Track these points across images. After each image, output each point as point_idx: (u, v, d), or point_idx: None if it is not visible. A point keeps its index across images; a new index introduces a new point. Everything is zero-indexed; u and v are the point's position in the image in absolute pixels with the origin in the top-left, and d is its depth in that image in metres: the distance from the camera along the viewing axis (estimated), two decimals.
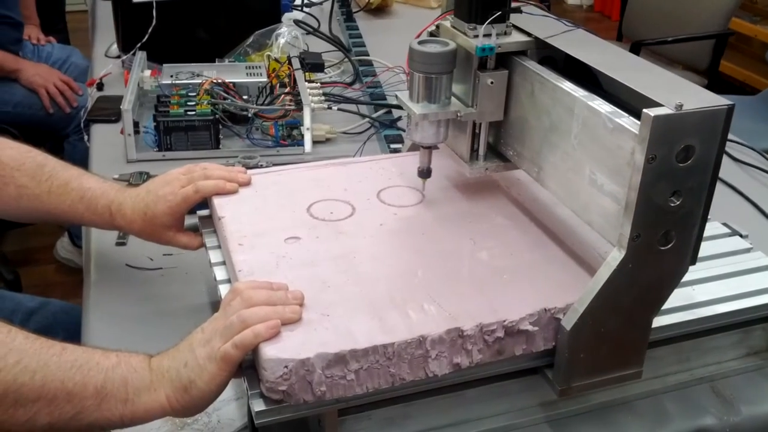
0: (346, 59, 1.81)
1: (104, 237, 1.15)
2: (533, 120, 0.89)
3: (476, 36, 0.87)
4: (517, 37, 0.90)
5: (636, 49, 2.79)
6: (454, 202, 0.99)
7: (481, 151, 0.97)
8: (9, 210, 1.01)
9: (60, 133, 2.25)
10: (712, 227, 1.04)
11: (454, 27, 0.92)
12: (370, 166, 1.07)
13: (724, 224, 1.04)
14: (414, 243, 0.90)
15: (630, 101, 0.77)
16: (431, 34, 0.96)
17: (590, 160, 0.80)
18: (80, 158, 1.47)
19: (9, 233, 2.64)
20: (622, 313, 0.77)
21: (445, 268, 0.85)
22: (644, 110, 0.69)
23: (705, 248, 0.98)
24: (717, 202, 1.25)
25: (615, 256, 0.74)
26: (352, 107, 1.57)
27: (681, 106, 0.68)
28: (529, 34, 0.90)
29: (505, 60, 0.91)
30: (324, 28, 2.00)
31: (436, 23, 0.96)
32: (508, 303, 0.79)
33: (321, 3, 2.20)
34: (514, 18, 0.91)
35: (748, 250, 0.99)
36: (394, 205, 0.98)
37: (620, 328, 0.78)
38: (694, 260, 0.78)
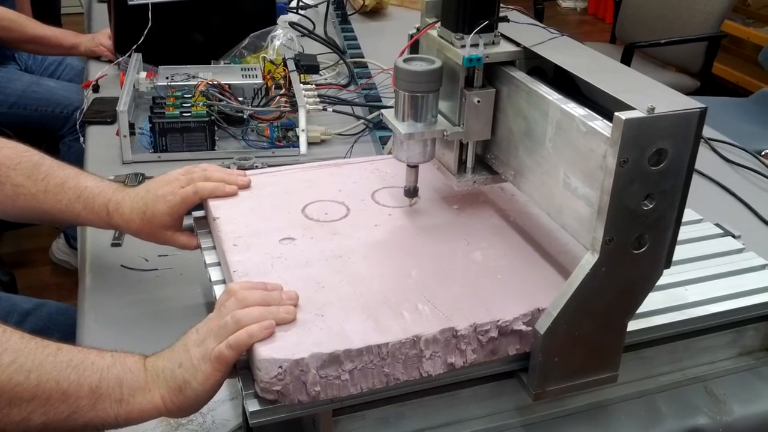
0: (341, 61, 1.82)
1: (99, 238, 1.16)
2: (514, 126, 0.89)
3: (463, 46, 0.86)
4: (505, 47, 0.89)
5: (629, 51, 2.80)
6: (449, 202, 0.99)
7: (469, 164, 0.95)
8: (5, 210, 1.01)
9: (55, 134, 2.24)
10: (704, 228, 1.04)
11: (441, 37, 0.90)
12: (364, 167, 1.07)
13: (717, 225, 1.05)
14: (408, 243, 0.91)
15: (609, 106, 0.76)
16: (413, 47, 0.95)
17: (564, 163, 0.80)
18: (75, 159, 1.47)
19: (4, 235, 2.64)
20: (597, 316, 0.77)
21: (439, 269, 0.86)
22: (616, 113, 0.68)
23: (698, 248, 0.99)
24: (709, 203, 1.27)
25: (588, 260, 0.74)
26: (347, 109, 1.58)
27: (653, 109, 0.68)
28: (517, 44, 0.89)
29: (493, 71, 0.90)
30: (319, 30, 2.00)
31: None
32: (501, 303, 0.80)
33: (316, 5, 2.21)
34: (513, 31, 0.89)
35: (740, 251, 1.00)
36: (388, 206, 0.98)
37: (595, 331, 0.78)
38: (668, 264, 0.77)
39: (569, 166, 0.79)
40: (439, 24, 0.91)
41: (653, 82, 0.76)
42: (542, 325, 0.76)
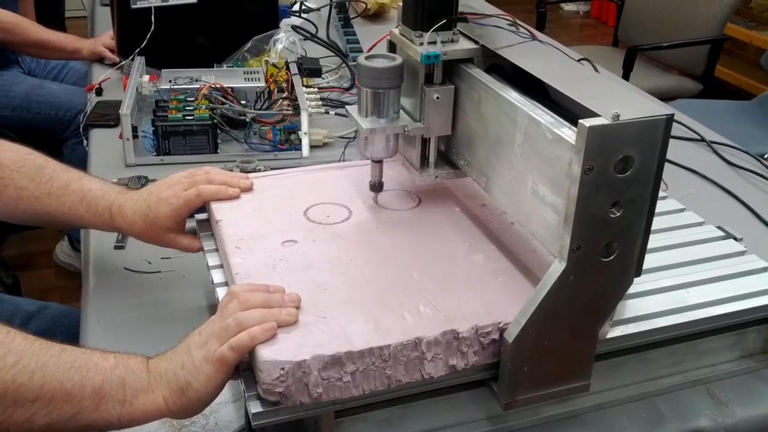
0: (344, 64, 1.82)
1: (103, 240, 1.16)
2: (480, 130, 0.89)
3: (422, 44, 0.87)
4: (463, 45, 0.90)
5: (631, 54, 2.80)
6: (450, 206, 0.99)
7: (432, 159, 0.97)
8: (8, 212, 1.01)
9: (59, 137, 2.25)
10: (706, 230, 1.04)
11: (402, 35, 0.92)
12: (366, 170, 1.07)
13: (719, 227, 1.05)
14: (410, 246, 0.91)
15: (577, 112, 0.75)
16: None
17: (532, 170, 0.79)
18: (79, 162, 1.47)
19: (9, 237, 2.65)
20: (566, 325, 0.76)
21: (440, 271, 0.86)
22: (579, 121, 0.68)
23: (699, 251, 0.99)
24: (712, 206, 1.27)
25: (556, 268, 0.73)
26: None
27: (618, 116, 0.67)
28: (476, 42, 0.90)
29: (452, 68, 0.91)
30: (322, 34, 2.00)
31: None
32: (503, 305, 0.80)
33: (319, 9, 2.21)
34: (471, 29, 0.91)
35: (742, 253, 1.00)
36: (390, 209, 0.98)
37: (565, 340, 0.77)
38: (638, 272, 0.77)
39: (537, 173, 0.79)
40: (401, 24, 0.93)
41: (622, 88, 0.75)
42: (510, 334, 0.75)
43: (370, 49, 0.93)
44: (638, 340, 0.85)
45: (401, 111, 0.93)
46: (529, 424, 0.86)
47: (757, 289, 0.92)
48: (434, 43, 0.87)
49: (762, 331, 0.94)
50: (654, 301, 0.88)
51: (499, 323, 0.77)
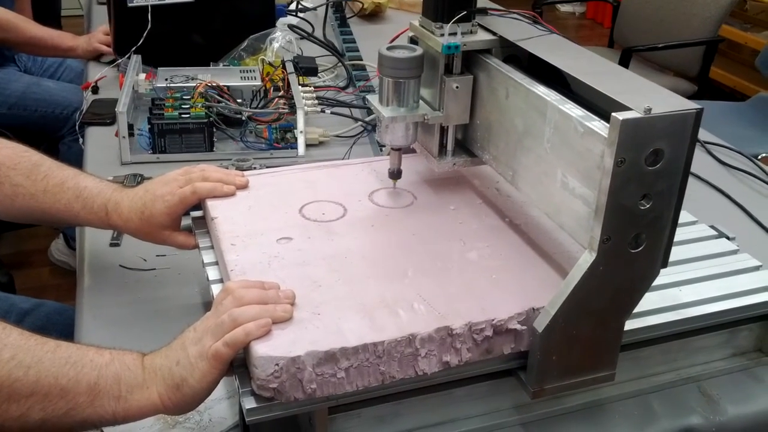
0: (340, 64, 1.83)
1: (98, 237, 1.16)
2: (504, 121, 0.90)
3: (442, 35, 0.90)
4: (482, 36, 0.93)
5: (627, 55, 2.81)
6: (445, 203, 1.00)
7: (450, 147, 0.99)
8: (4, 209, 1.01)
9: (54, 135, 2.25)
10: (699, 229, 1.05)
11: (422, 26, 0.95)
12: (362, 168, 1.08)
13: (712, 227, 1.06)
14: (404, 243, 0.91)
15: (601, 104, 0.78)
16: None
17: (562, 163, 0.80)
18: (75, 160, 1.47)
19: (3, 236, 2.64)
20: (594, 315, 0.77)
21: (435, 268, 0.86)
22: (613, 114, 0.69)
23: (692, 250, 1.00)
24: (705, 205, 1.28)
25: (586, 259, 0.75)
26: (345, 111, 1.58)
27: (650, 110, 0.68)
28: (494, 33, 0.93)
29: (471, 58, 0.94)
30: (318, 33, 2.01)
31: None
32: (496, 302, 0.80)
33: (315, 8, 2.22)
34: (489, 22, 0.93)
35: (734, 252, 1.01)
36: (385, 206, 0.99)
37: (592, 330, 0.78)
38: (665, 263, 0.78)
39: (567, 166, 0.80)
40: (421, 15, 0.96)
41: (649, 83, 0.77)
42: (540, 324, 0.77)
43: (392, 40, 0.97)
44: (631, 337, 0.86)
45: (420, 101, 0.96)
46: (521, 421, 0.86)
47: (749, 288, 0.93)
48: (454, 34, 0.90)
49: (754, 329, 0.95)
50: (647, 298, 0.88)
51: (493, 320, 0.78)
